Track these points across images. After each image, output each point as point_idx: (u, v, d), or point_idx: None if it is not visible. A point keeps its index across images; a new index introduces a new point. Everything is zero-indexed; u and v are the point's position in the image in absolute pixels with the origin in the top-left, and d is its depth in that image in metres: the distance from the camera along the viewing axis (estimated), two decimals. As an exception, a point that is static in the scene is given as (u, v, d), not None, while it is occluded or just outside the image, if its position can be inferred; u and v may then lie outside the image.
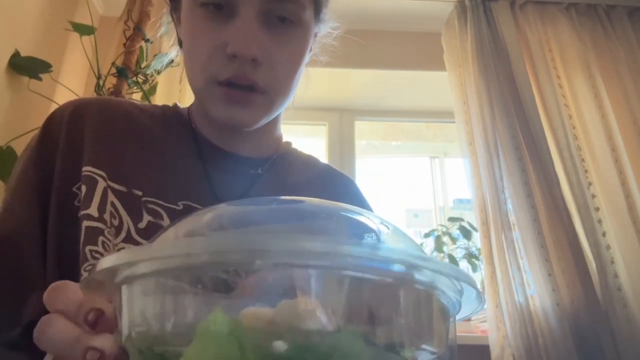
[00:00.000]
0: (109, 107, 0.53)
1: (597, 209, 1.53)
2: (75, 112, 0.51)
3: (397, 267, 0.20)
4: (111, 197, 0.46)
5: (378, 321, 0.20)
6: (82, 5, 1.57)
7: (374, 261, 0.19)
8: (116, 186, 0.47)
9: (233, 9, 0.47)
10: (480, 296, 0.23)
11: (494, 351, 1.39)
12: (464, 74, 1.71)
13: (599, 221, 1.51)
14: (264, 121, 0.53)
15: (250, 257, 0.19)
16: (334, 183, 0.65)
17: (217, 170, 0.54)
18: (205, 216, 0.27)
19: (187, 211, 0.48)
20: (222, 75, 0.47)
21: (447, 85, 1.75)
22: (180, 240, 0.23)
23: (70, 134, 0.49)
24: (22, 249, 0.44)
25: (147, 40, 1.40)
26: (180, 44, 0.59)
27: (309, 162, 0.66)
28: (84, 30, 1.31)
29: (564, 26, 1.76)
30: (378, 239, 0.26)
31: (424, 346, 0.21)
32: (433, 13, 1.81)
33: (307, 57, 0.56)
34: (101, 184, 0.46)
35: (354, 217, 0.28)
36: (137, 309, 0.22)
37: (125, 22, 1.38)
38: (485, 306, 1.43)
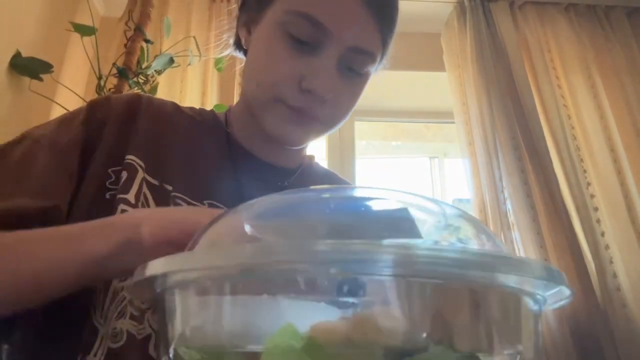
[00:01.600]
0: (156, 105, 0.57)
1: (596, 209, 1.53)
2: (131, 103, 0.55)
3: (481, 273, 0.17)
4: (144, 188, 0.49)
5: (459, 329, 0.18)
6: (82, 5, 1.58)
7: (454, 266, 0.17)
8: (150, 179, 0.50)
9: (317, 47, 0.49)
10: (571, 293, 0.21)
11: (493, 351, 1.39)
12: (464, 74, 1.71)
13: (598, 221, 1.51)
14: (309, 142, 0.58)
15: (324, 268, 0.17)
16: None
17: (247, 175, 0.57)
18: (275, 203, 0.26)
19: None
20: (292, 102, 0.50)
21: (446, 85, 1.75)
22: (246, 246, 0.20)
23: (123, 122, 0.52)
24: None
25: (147, 41, 1.41)
26: (237, 46, 0.62)
27: (327, 178, 0.69)
28: (84, 30, 1.32)
29: (563, 27, 1.76)
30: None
31: (510, 351, 0.19)
32: (432, 14, 1.81)
33: None
34: (140, 174, 0.49)
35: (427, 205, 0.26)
36: (192, 309, 0.21)
37: (126, 23, 1.39)
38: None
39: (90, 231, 0.37)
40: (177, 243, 0.32)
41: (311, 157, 0.68)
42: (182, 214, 0.36)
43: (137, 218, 0.37)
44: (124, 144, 0.51)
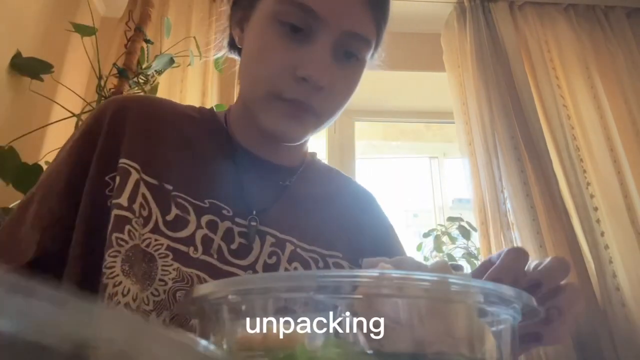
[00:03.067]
0: (149, 105, 0.57)
1: (596, 209, 1.53)
2: (118, 109, 0.54)
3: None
4: (143, 189, 0.49)
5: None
6: (83, 6, 1.58)
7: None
8: (149, 179, 0.50)
9: (310, 34, 0.49)
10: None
11: (493, 350, 1.39)
12: (463, 74, 1.71)
13: (598, 221, 1.51)
14: (307, 138, 0.57)
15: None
16: (357, 197, 0.68)
17: (248, 174, 0.57)
18: None
19: (213, 209, 0.51)
20: (288, 93, 0.50)
21: (446, 85, 1.75)
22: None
23: (111, 130, 0.52)
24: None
25: (148, 41, 1.41)
26: (231, 46, 0.62)
27: (331, 175, 0.69)
28: (85, 31, 1.32)
29: (562, 27, 1.77)
30: None
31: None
32: (432, 14, 1.82)
33: None
34: (134, 176, 0.49)
35: None
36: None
37: (127, 23, 1.39)
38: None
39: None
40: None
41: (313, 154, 0.68)
42: None
43: None
44: (115, 151, 0.50)
